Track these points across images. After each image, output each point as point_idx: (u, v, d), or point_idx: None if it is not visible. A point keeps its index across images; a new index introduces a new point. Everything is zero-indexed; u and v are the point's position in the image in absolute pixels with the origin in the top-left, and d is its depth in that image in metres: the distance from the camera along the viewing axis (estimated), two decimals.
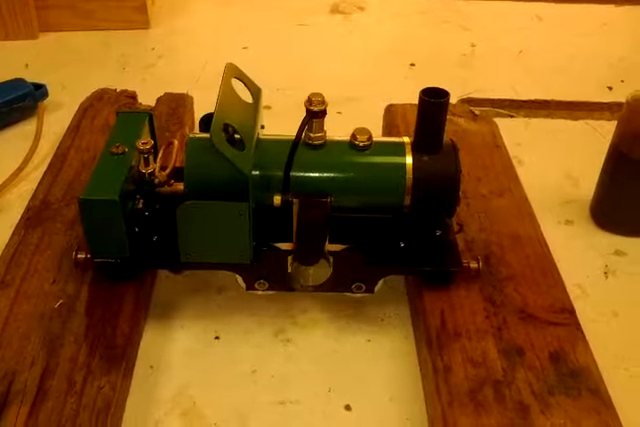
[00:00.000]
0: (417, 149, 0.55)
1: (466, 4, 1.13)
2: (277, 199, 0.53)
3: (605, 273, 0.69)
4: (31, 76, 0.85)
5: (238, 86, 0.57)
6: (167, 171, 0.55)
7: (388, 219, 0.57)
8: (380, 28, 1.07)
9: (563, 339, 0.56)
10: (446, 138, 0.56)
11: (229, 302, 0.63)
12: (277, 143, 0.53)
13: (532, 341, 0.56)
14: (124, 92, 0.78)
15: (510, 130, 0.87)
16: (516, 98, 0.92)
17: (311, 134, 0.54)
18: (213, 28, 1.06)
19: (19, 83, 0.79)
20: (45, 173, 0.68)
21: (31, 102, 0.79)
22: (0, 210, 0.69)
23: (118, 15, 0.98)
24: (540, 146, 0.85)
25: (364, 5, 1.12)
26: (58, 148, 0.71)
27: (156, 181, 0.54)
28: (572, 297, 0.66)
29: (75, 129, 0.72)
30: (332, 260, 0.57)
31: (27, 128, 0.78)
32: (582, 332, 0.57)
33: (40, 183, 0.66)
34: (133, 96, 0.78)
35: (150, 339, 0.60)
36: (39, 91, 0.81)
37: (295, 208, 0.52)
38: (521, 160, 0.82)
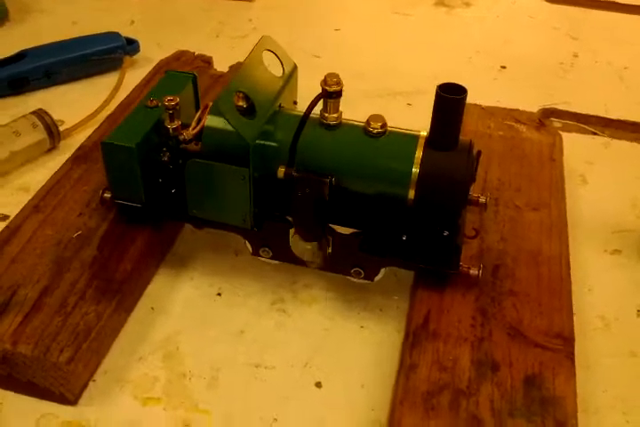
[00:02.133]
0: (430, 144, 0.54)
1: (581, 13, 1.07)
2: (281, 171, 0.54)
3: (639, 311, 0.65)
4: (132, 32, 0.92)
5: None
6: (195, 130, 0.58)
7: (398, 210, 0.57)
8: (481, 25, 1.04)
9: (546, 364, 0.54)
10: (465, 137, 0.55)
11: (241, 265, 0.66)
12: (294, 118, 0.55)
13: (512, 359, 0.54)
14: (200, 56, 0.82)
15: (587, 147, 0.83)
16: (604, 115, 0.87)
17: (326, 114, 0.55)
18: (312, 8, 1.08)
19: (113, 36, 0.86)
20: (107, 118, 0.74)
21: (122, 55, 0.85)
22: (67, 147, 0.76)
23: None
24: (612, 168, 0.80)
25: (471, 1, 1.10)
26: (125, 97, 0.76)
27: (181, 137, 0.58)
28: (591, 328, 0.63)
29: (145, 83, 0.78)
30: (331, 240, 0.58)
31: (114, 78, 0.84)
32: (573, 362, 0.54)
33: (99, 127, 0.72)
34: (209, 61, 0.82)
35: (159, 283, 0.65)
36: (131, 45, 0.87)
37: (295, 183, 0.54)
38: (586, 179, 0.78)
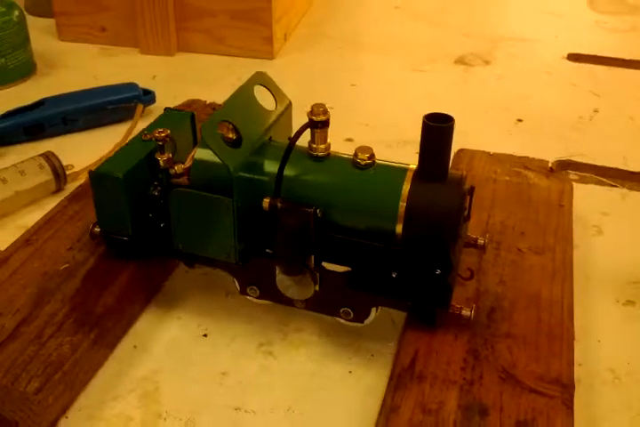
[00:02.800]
0: (419, 176, 0.53)
1: (604, 71, 1.07)
2: (266, 202, 0.53)
3: None
4: (152, 86, 0.95)
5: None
6: (187, 165, 0.58)
7: (387, 246, 0.55)
8: (499, 82, 1.04)
9: (540, 410, 0.49)
10: (459, 172, 0.53)
11: (232, 306, 0.65)
12: (282, 150, 0.54)
13: (503, 404, 0.50)
14: (211, 104, 0.84)
15: (604, 199, 0.81)
16: (623, 168, 0.85)
17: (313, 145, 0.54)
18: (332, 65, 1.10)
19: (131, 86, 0.89)
20: None
21: (137, 104, 0.87)
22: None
23: (247, 44, 1.06)
24: (629, 220, 0.77)
25: (490, 59, 1.10)
26: None
27: (172, 171, 0.57)
28: (599, 381, 0.58)
29: None
30: (318, 276, 0.56)
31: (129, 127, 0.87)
32: (571, 409, 0.50)
33: None
34: None
35: (146, 322, 0.63)
36: (147, 96, 0.90)
37: (279, 214, 0.52)
38: (601, 230, 0.75)
